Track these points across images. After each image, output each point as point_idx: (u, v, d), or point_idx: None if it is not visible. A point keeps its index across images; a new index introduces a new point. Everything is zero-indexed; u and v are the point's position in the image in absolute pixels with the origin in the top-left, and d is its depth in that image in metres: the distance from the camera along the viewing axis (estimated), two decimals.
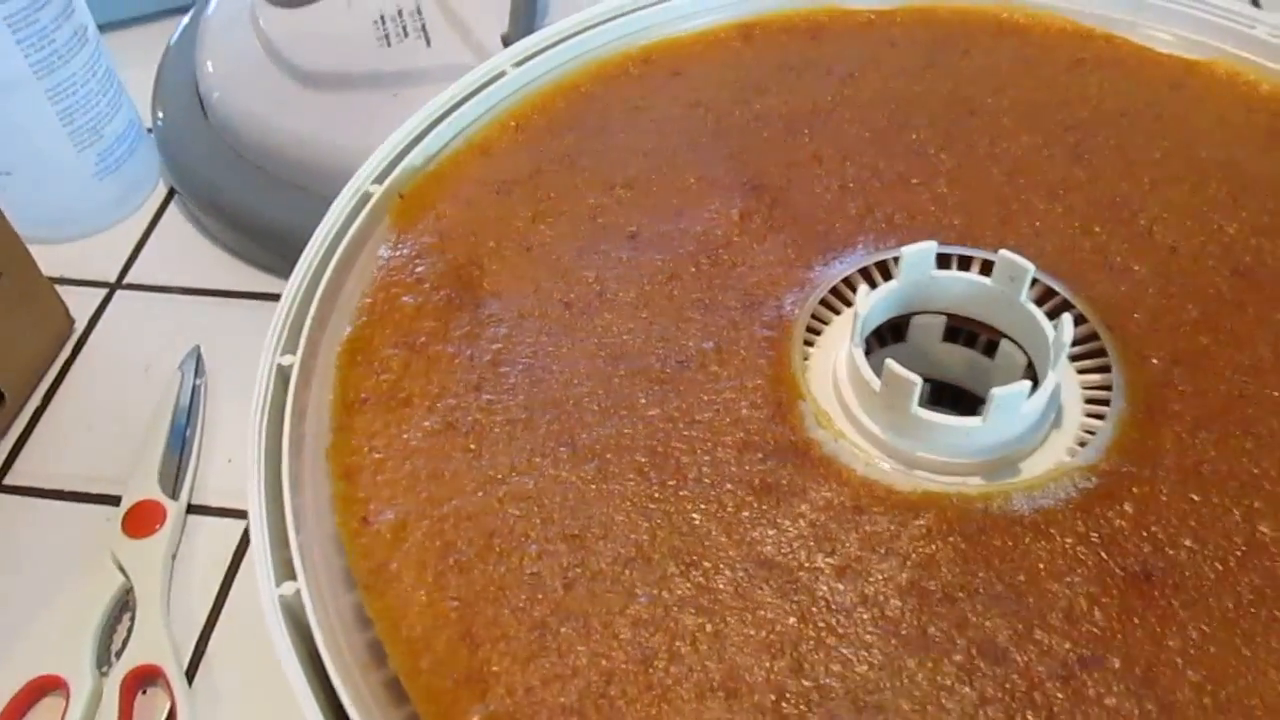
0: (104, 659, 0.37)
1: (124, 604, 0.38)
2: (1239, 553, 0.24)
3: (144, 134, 0.54)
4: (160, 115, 0.54)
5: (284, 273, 0.49)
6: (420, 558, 0.25)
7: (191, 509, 0.43)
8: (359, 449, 0.27)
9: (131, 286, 0.50)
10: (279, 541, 0.25)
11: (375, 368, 0.28)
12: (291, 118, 0.49)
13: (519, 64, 0.34)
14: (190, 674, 0.38)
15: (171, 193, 0.54)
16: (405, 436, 0.27)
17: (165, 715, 0.36)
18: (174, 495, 0.42)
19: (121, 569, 0.38)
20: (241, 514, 0.42)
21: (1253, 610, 0.24)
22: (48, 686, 0.36)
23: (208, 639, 0.39)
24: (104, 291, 0.50)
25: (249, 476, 0.25)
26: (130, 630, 0.38)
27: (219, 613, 0.40)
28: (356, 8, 0.49)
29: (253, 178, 0.50)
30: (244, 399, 0.46)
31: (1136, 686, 0.23)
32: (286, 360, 0.27)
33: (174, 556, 0.41)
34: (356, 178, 0.31)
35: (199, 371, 0.46)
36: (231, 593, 0.41)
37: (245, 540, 0.42)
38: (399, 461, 0.27)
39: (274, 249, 0.50)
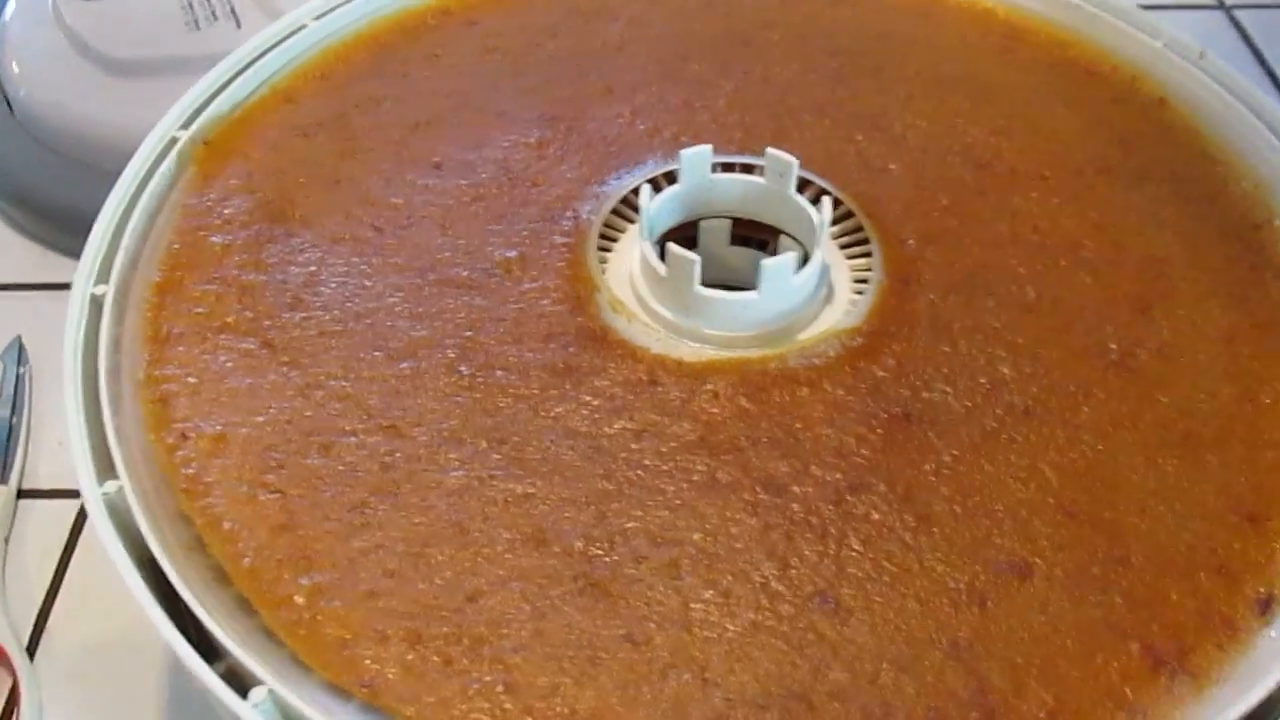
0: None
1: None
2: (984, 390, 0.28)
3: None
4: None
5: None
6: (240, 461, 0.26)
7: (23, 494, 0.42)
8: (174, 377, 0.28)
9: None
10: (100, 450, 0.25)
11: (187, 305, 0.29)
12: (103, 107, 0.49)
13: (319, 18, 0.36)
14: (31, 651, 0.38)
15: None
16: (222, 359, 0.28)
17: (8, 692, 0.36)
18: (2, 480, 0.41)
19: None
20: (76, 494, 0.42)
21: (995, 435, 0.27)
22: None
23: (47, 616, 0.39)
24: None
25: (66, 393, 0.26)
26: None
27: (58, 589, 0.40)
28: None
29: (66, 170, 0.50)
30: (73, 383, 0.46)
31: (898, 503, 0.26)
32: (99, 290, 0.28)
33: (6, 540, 0.40)
34: (162, 123, 0.32)
35: (22, 360, 0.45)
36: (70, 569, 0.40)
37: (81, 518, 0.42)
38: (215, 383, 0.28)
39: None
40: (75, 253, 0.50)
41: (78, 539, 0.41)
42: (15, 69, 0.52)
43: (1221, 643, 0.23)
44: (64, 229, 0.50)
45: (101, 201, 0.48)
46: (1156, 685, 0.23)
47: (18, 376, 0.45)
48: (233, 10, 0.49)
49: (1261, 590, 0.24)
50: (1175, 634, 0.24)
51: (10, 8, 0.54)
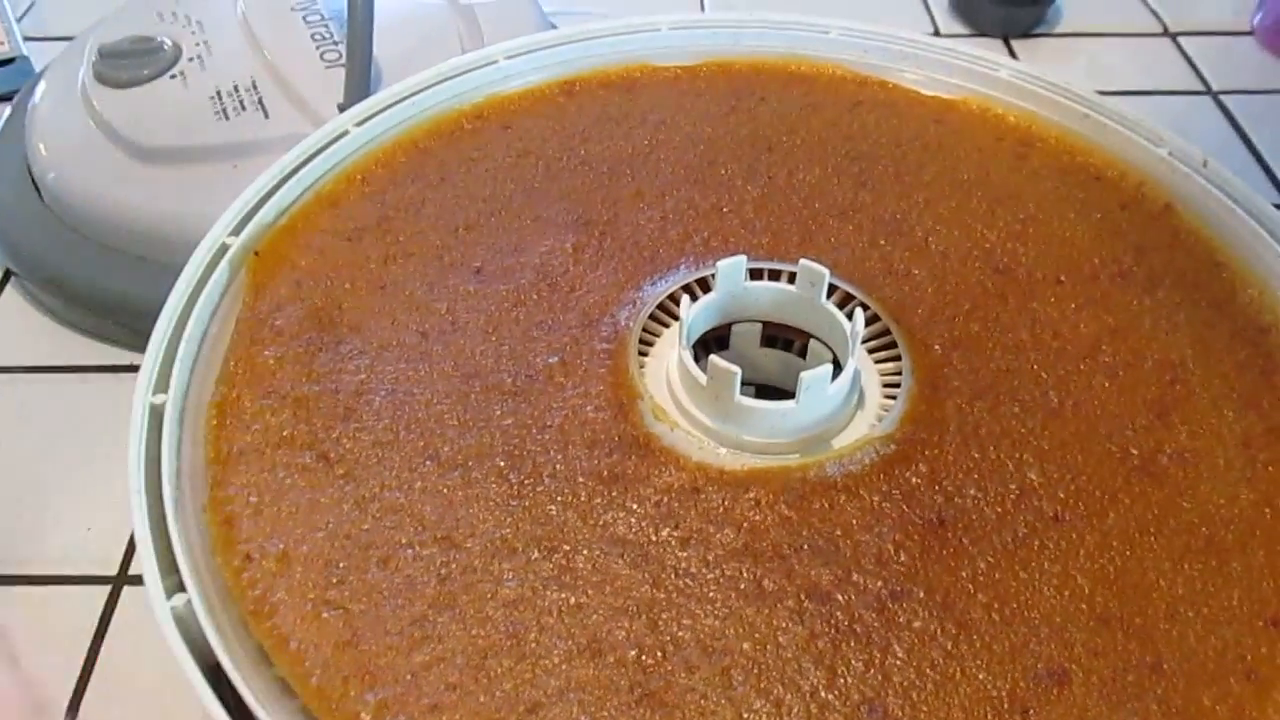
0: None
1: None
2: (1014, 496, 0.29)
3: None
4: None
5: (133, 344, 0.50)
6: (303, 578, 0.27)
7: (46, 580, 0.43)
8: (236, 498, 0.28)
9: None
10: (166, 561, 0.26)
11: (245, 422, 0.30)
12: (132, 193, 0.50)
13: (360, 124, 0.37)
14: None
15: (7, 275, 0.54)
16: (281, 476, 0.29)
17: None
18: None
19: None
20: (106, 580, 0.43)
21: (1027, 541, 0.28)
22: None
23: (78, 706, 0.39)
24: None
25: (132, 503, 0.27)
26: None
27: (88, 679, 0.40)
28: (192, 85, 0.51)
29: (95, 254, 0.51)
30: (102, 468, 0.47)
31: (938, 610, 0.27)
32: (159, 399, 0.29)
33: None
34: (214, 230, 0.33)
35: None
36: (100, 658, 0.41)
37: (110, 606, 0.42)
38: (275, 500, 0.28)
39: (121, 322, 0.51)
40: (103, 336, 0.51)
41: (108, 627, 0.42)
42: (43, 152, 0.53)
43: None
44: (92, 313, 0.51)
45: (127, 285, 0.49)
46: None
47: None
48: (261, 101, 0.50)
49: None
50: None
51: (39, 92, 0.55)
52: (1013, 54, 0.64)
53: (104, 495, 0.45)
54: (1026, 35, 0.65)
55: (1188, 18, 0.68)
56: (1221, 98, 0.63)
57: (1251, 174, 0.57)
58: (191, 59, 0.52)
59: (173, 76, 0.52)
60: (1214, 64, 0.65)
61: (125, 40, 0.53)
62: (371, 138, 0.38)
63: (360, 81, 0.48)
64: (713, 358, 0.29)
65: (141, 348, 0.32)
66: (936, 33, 0.65)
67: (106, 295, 0.50)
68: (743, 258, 0.32)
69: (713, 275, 0.33)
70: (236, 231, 0.34)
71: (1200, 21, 0.68)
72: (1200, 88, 0.63)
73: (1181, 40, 0.66)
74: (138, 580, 0.43)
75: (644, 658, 0.26)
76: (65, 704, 0.39)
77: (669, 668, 0.26)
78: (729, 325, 0.34)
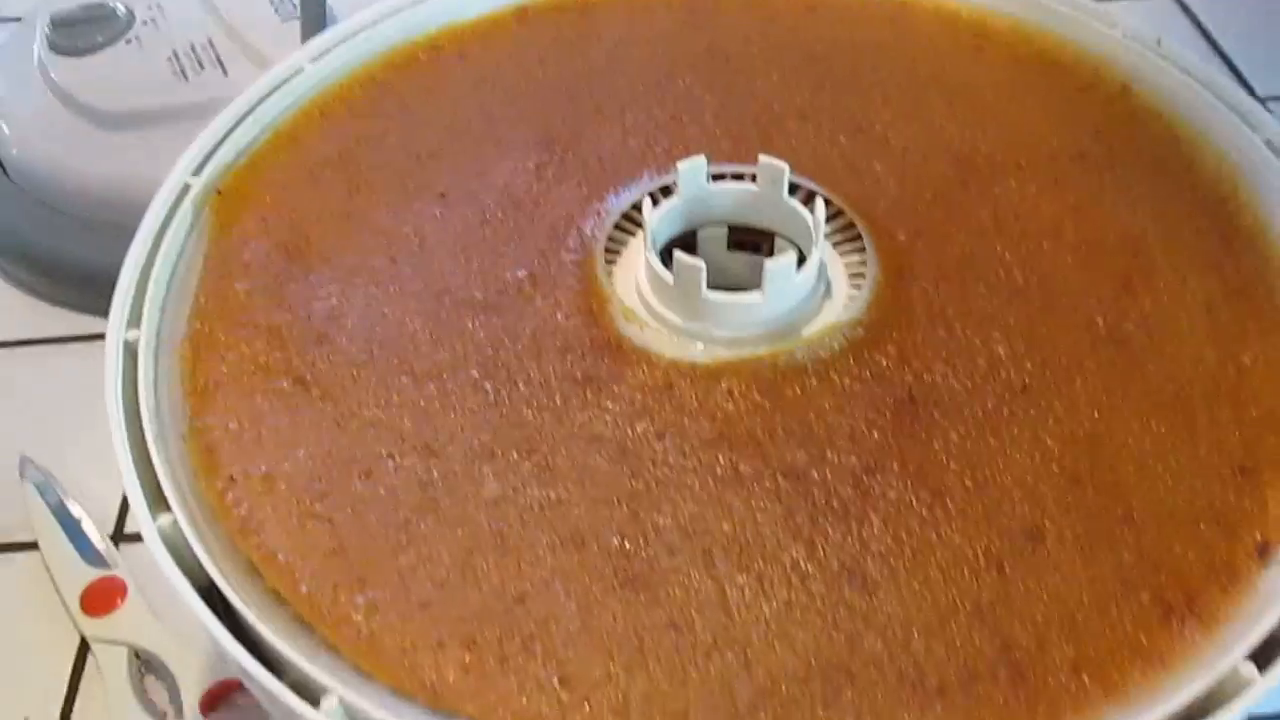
0: None
1: None
2: (982, 370, 0.29)
3: None
4: None
5: (106, 312, 0.50)
6: (288, 495, 0.27)
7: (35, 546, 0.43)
8: (216, 426, 0.28)
9: None
10: (151, 488, 0.26)
11: (219, 354, 0.30)
12: (96, 160, 0.50)
13: (315, 60, 0.37)
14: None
15: None
16: (259, 401, 0.29)
17: None
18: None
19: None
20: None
21: (996, 411, 0.29)
22: None
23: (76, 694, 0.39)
24: None
25: (114, 435, 0.27)
26: None
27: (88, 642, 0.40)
28: (148, 48, 0.51)
29: (63, 224, 0.51)
30: (88, 434, 0.47)
31: (912, 481, 0.27)
32: (132, 335, 0.29)
33: None
34: (174, 172, 0.33)
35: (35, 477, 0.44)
36: None
37: None
38: (255, 425, 0.29)
39: (94, 290, 0.50)
40: (75, 306, 0.51)
41: None
42: (6, 130, 0.53)
43: (1225, 587, 0.25)
44: (64, 283, 0.51)
45: (100, 254, 0.49)
46: (1169, 630, 0.24)
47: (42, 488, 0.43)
48: (219, 59, 0.50)
49: (1258, 537, 0.26)
50: (1182, 582, 0.25)
51: None
52: None
53: (93, 460, 0.45)
54: None
55: None
56: None
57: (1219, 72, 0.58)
58: (145, 22, 0.52)
59: (128, 41, 0.51)
60: None
61: (77, 8, 0.53)
62: (327, 74, 0.38)
63: (316, 31, 0.48)
64: (677, 254, 0.30)
65: None
66: None
67: (81, 266, 0.50)
68: (703, 158, 0.32)
69: (675, 181, 0.33)
70: (197, 172, 0.34)
71: None
72: None
73: None
74: (135, 539, 0.43)
75: (626, 544, 0.26)
76: (69, 665, 0.40)
77: (651, 552, 0.26)
78: (695, 231, 0.34)
